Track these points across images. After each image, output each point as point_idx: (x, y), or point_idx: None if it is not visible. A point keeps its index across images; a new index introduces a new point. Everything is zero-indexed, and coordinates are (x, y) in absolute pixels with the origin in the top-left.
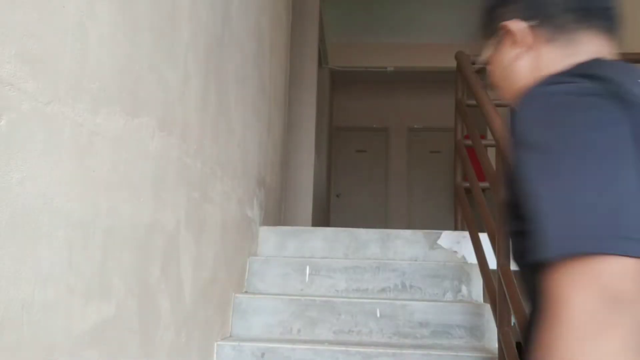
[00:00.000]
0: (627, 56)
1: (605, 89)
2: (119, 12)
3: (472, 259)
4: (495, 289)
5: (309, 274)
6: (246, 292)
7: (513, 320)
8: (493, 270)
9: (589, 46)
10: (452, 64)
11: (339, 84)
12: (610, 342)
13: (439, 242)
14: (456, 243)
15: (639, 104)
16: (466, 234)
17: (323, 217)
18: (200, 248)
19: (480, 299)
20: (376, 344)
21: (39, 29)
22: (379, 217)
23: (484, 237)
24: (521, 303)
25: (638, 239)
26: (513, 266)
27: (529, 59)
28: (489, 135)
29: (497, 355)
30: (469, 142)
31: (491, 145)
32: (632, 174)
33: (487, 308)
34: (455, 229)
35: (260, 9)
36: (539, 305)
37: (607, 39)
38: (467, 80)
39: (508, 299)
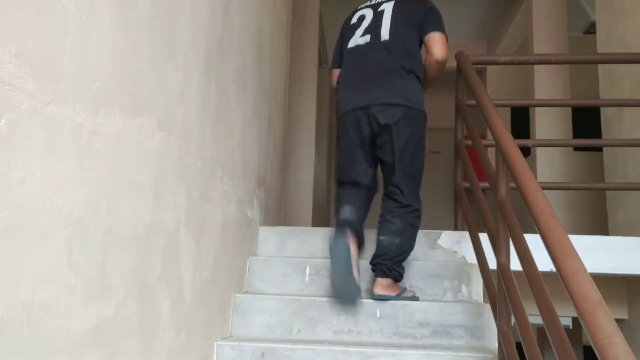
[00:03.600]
0: (627, 56)
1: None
2: (119, 12)
3: (472, 259)
4: (495, 289)
5: (309, 274)
6: (246, 292)
7: (513, 320)
8: (493, 270)
9: None
10: (452, 64)
11: None
12: None
13: (439, 242)
14: (456, 243)
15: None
16: (466, 234)
17: (323, 217)
18: (200, 248)
19: (480, 299)
20: (376, 344)
21: (39, 29)
22: None
23: (484, 237)
24: (521, 303)
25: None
26: (513, 266)
27: None
28: (489, 135)
29: (497, 356)
30: (469, 142)
31: (491, 145)
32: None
33: (487, 308)
34: (455, 229)
35: (260, 9)
36: None
37: None
38: (467, 80)
39: (508, 299)
